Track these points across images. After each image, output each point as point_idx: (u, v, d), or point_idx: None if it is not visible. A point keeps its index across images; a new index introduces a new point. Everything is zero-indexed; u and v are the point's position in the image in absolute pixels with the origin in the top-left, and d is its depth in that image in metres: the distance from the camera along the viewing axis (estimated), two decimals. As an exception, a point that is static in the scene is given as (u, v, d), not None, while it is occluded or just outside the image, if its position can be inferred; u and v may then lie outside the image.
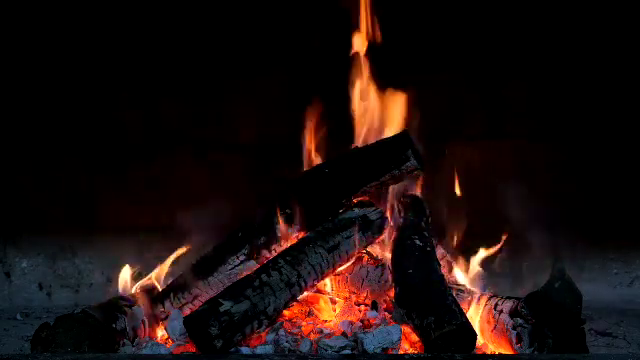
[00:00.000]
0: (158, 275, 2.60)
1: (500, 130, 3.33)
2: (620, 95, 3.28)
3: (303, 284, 2.31)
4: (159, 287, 2.55)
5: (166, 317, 2.42)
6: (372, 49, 2.83)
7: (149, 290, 2.55)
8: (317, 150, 2.77)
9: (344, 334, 2.27)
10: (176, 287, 2.50)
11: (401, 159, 2.49)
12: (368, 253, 2.59)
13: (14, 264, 3.33)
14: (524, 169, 3.30)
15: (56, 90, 3.27)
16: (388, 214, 2.61)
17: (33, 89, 3.27)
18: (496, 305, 2.31)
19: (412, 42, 3.17)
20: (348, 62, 2.85)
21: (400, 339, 2.18)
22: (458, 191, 2.79)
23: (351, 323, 2.36)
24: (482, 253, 2.66)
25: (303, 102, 3.00)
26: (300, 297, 2.40)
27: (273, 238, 2.51)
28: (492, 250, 2.67)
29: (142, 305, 2.41)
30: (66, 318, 2.20)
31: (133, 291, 2.49)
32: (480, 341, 2.27)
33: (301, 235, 2.49)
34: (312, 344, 2.20)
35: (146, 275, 2.61)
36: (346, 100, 2.80)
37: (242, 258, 2.49)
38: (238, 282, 2.28)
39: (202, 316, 2.13)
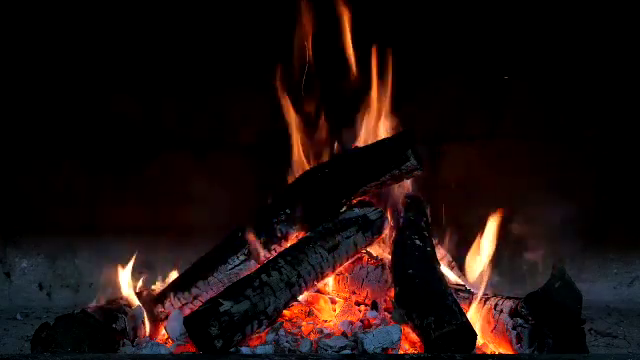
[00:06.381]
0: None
1: (500, 130, 3.33)
2: (621, 94, 3.28)
3: (303, 284, 2.31)
4: (159, 287, 2.56)
5: (166, 317, 2.42)
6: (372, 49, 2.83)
7: (149, 290, 2.55)
8: (316, 150, 2.77)
9: (344, 334, 2.27)
10: (176, 287, 2.50)
11: (401, 159, 2.49)
12: (368, 253, 2.59)
13: (14, 264, 3.33)
14: (524, 169, 3.30)
15: (56, 90, 3.27)
16: (388, 214, 2.61)
17: (33, 90, 3.27)
18: (496, 305, 2.31)
19: (412, 42, 3.17)
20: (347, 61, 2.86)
21: (400, 339, 2.18)
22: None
23: (351, 323, 2.36)
24: (482, 253, 2.65)
25: (303, 102, 3.01)
26: (300, 297, 2.40)
27: (273, 238, 2.51)
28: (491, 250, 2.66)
29: (142, 305, 2.41)
30: (66, 318, 2.20)
31: (133, 291, 2.49)
32: (480, 341, 2.27)
33: (301, 235, 2.49)
34: (312, 344, 2.20)
35: (146, 275, 2.61)
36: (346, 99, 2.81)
37: (242, 258, 2.49)
38: (238, 282, 2.28)
39: (202, 316, 2.13)
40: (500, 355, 2.19)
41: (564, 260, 3.22)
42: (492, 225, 2.60)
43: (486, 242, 2.60)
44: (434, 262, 2.43)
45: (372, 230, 2.52)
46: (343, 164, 2.57)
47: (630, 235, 3.34)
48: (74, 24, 3.22)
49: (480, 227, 2.61)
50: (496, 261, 2.69)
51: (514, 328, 2.19)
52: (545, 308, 2.14)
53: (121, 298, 2.44)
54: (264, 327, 2.22)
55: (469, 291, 2.47)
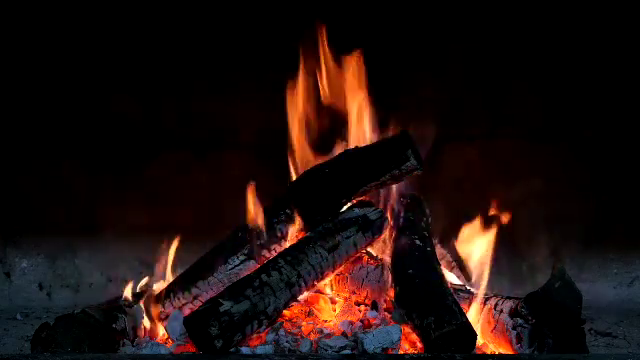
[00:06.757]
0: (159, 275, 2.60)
1: (500, 130, 3.33)
2: (621, 94, 3.28)
3: (303, 284, 2.31)
4: (159, 287, 2.55)
5: (166, 317, 2.42)
6: (373, 48, 2.83)
7: (149, 290, 2.55)
8: (315, 150, 2.77)
9: (344, 334, 2.27)
10: (176, 287, 2.50)
11: (401, 159, 2.49)
12: (368, 253, 2.59)
13: (14, 264, 3.34)
14: (524, 169, 3.30)
15: (56, 90, 3.27)
16: (388, 214, 2.61)
17: (33, 90, 3.27)
18: (496, 305, 2.31)
19: (412, 42, 3.17)
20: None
21: (400, 339, 2.18)
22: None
23: (351, 323, 2.36)
24: (481, 252, 2.65)
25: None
26: (300, 297, 2.40)
27: (273, 238, 2.51)
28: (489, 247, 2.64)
29: (142, 305, 2.41)
30: (66, 318, 2.20)
31: (133, 291, 2.49)
32: (480, 341, 2.27)
33: (301, 235, 2.49)
34: (312, 344, 2.20)
35: (146, 276, 2.61)
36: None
37: (242, 258, 2.49)
38: (238, 282, 2.28)
39: (202, 316, 2.13)
40: (500, 355, 2.19)
41: (564, 260, 3.22)
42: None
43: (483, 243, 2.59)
44: (434, 262, 2.43)
45: (372, 230, 2.52)
46: (343, 164, 2.57)
47: (630, 235, 3.34)
48: (74, 24, 3.22)
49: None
50: (496, 261, 2.69)
51: (514, 328, 2.19)
52: (545, 308, 2.14)
53: (121, 298, 2.44)
54: (264, 327, 2.22)
55: (469, 291, 2.47)
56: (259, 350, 2.17)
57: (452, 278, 2.60)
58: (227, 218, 2.82)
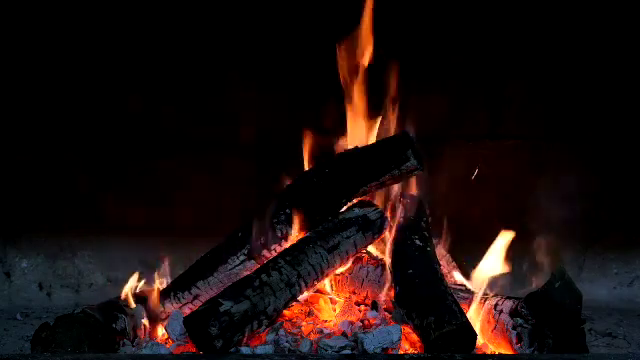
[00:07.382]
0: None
1: (501, 130, 3.33)
2: (621, 94, 3.28)
3: (303, 284, 2.32)
4: (159, 287, 2.55)
5: (166, 317, 2.42)
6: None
7: (149, 290, 2.55)
8: (316, 150, 2.77)
9: (344, 334, 2.27)
10: (176, 287, 2.50)
11: (401, 159, 2.49)
12: (368, 253, 2.60)
13: (14, 264, 3.33)
14: (524, 169, 3.30)
15: (55, 90, 3.27)
16: (388, 214, 2.62)
17: (33, 89, 3.27)
18: (496, 305, 2.31)
19: (412, 43, 3.17)
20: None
21: (400, 339, 2.18)
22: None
23: (351, 323, 2.36)
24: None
25: (303, 102, 3.01)
26: (300, 297, 2.40)
27: (273, 238, 2.51)
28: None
29: (142, 305, 2.41)
30: (66, 318, 2.20)
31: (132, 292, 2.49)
32: (480, 341, 2.27)
33: (301, 235, 2.49)
34: (312, 344, 2.21)
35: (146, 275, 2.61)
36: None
37: (242, 258, 2.49)
38: (238, 282, 2.28)
39: (202, 316, 2.13)
40: (500, 355, 2.19)
41: (564, 260, 3.22)
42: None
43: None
44: (434, 262, 2.43)
45: (372, 230, 2.52)
46: (343, 164, 2.57)
47: (630, 235, 3.34)
48: (74, 25, 3.22)
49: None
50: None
51: (514, 328, 2.19)
52: (545, 308, 2.15)
53: (121, 298, 2.44)
54: (264, 327, 2.22)
55: (469, 291, 2.47)
56: (259, 350, 2.17)
57: (452, 278, 2.61)
58: (227, 218, 2.83)
